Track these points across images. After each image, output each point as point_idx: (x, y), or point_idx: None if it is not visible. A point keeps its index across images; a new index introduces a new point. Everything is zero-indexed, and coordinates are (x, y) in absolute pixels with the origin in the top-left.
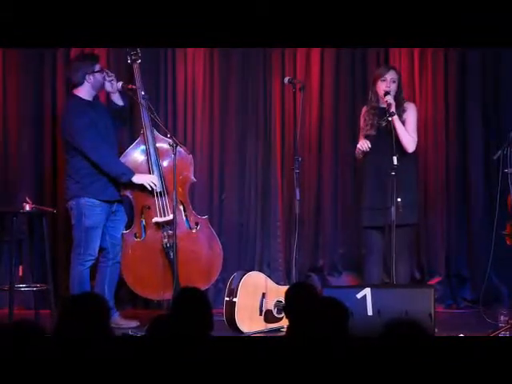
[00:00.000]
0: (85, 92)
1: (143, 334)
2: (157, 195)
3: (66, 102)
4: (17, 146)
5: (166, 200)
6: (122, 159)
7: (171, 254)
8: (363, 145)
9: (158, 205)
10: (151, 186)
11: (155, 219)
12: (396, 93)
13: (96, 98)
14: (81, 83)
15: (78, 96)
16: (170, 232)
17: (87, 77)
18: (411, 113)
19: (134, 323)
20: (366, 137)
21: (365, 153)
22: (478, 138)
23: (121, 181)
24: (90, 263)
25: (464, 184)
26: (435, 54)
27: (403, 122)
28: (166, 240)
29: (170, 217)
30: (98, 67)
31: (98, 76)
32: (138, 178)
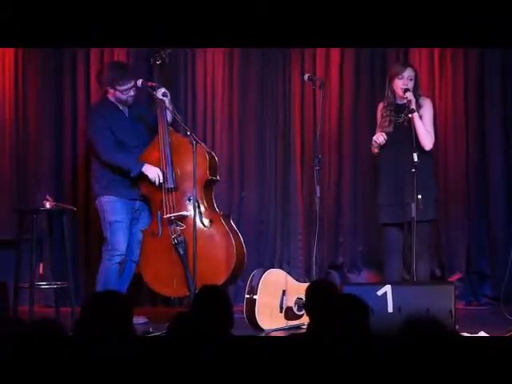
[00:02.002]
0: (115, 97)
1: (163, 332)
2: (169, 191)
3: (95, 102)
4: (37, 145)
5: (177, 196)
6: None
7: (181, 251)
8: (379, 137)
9: (169, 201)
10: (156, 180)
11: (167, 215)
12: (413, 90)
13: (132, 101)
14: (110, 86)
15: (107, 99)
16: (178, 228)
17: (108, 88)
18: (427, 108)
19: (142, 319)
20: (385, 133)
21: (380, 146)
22: (497, 136)
23: (132, 174)
24: (117, 259)
25: (484, 181)
26: (455, 54)
27: (420, 118)
28: (174, 236)
29: (180, 213)
30: (139, 83)
31: (118, 93)
32: (146, 168)
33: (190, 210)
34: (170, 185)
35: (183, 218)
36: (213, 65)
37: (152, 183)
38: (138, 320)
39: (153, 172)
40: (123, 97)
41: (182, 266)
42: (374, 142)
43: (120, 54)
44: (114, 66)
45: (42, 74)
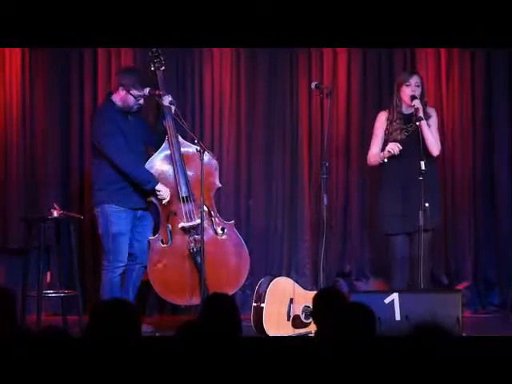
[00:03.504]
0: (121, 101)
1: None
2: (183, 200)
3: (100, 105)
4: (44, 152)
5: (192, 205)
6: (148, 165)
7: (198, 259)
8: (394, 148)
9: (184, 210)
10: (164, 200)
11: (181, 224)
12: (420, 97)
13: (137, 109)
14: (116, 90)
15: (111, 101)
16: (197, 237)
17: (121, 88)
18: (434, 117)
19: (149, 328)
20: (394, 141)
21: (391, 156)
22: (504, 141)
23: (145, 188)
24: (120, 270)
25: (491, 188)
26: (462, 56)
27: (429, 127)
28: (192, 245)
29: (196, 222)
30: (147, 91)
31: (130, 98)
32: (160, 186)
33: (205, 220)
34: (185, 193)
35: (198, 227)
36: (220, 71)
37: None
38: (145, 329)
39: (164, 192)
40: (132, 102)
41: (198, 274)
42: (386, 153)
43: (127, 55)
44: (136, 71)
45: (49, 75)
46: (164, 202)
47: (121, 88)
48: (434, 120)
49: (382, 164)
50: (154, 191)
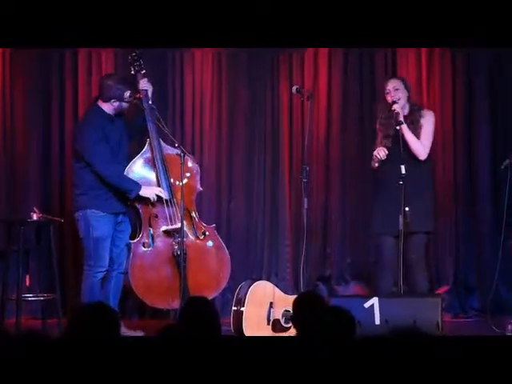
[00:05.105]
0: (108, 107)
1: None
2: (166, 204)
3: (87, 110)
4: (24, 154)
5: (175, 209)
6: (129, 169)
7: (182, 262)
8: (380, 152)
9: (167, 213)
10: (157, 196)
11: (164, 227)
12: (408, 97)
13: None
14: (106, 101)
15: (100, 108)
16: (179, 240)
17: (113, 100)
18: (429, 120)
19: (139, 333)
20: (386, 148)
21: (381, 161)
22: (485, 146)
23: (129, 197)
24: (101, 274)
25: (472, 193)
26: (443, 55)
27: (420, 128)
28: (176, 248)
29: (179, 225)
30: (127, 95)
31: (125, 105)
32: (144, 191)
33: (186, 223)
34: (167, 197)
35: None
36: (201, 75)
37: (147, 198)
38: (135, 334)
39: (151, 193)
40: (125, 105)
41: (179, 277)
42: (374, 157)
43: (108, 56)
44: (120, 80)
45: (29, 76)
46: (163, 196)
47: (112, 100)
48: (428, 123)
49: (377, 168)
50: (138, 197)
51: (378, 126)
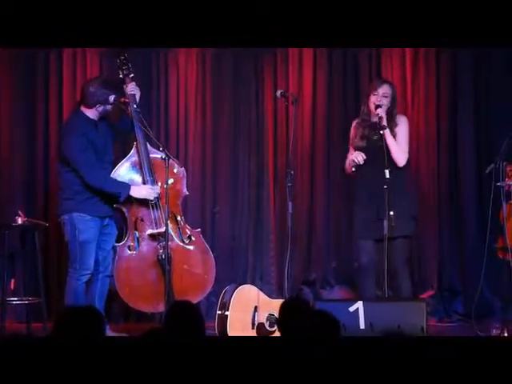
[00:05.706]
0: (91, 113)
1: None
2: (152, 207)
3: (70, 116)
4: (8, 156)
5: (160, 212)
6: (116, 172)
7: (167, 266)
8: (358, 156)
9: (152, 217)
10: (151, 196)
11: (149, 231)
12: (389, 108)
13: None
14: (90, 107)
15: (84, 114)
16: (164, 244)
17: (98, 105)
18: (403, 126)
19: (125, 336)
20: (356, 148)
21: (357, 166)
22: (469, 147)
23: (120, 200)
24: (85, 278)
25: (456, 197)
26: (427, 55)
27: (395, 136)
28: (161, 251)
29: (164, 228)
30: (112, 99)
31: (109, 107)
32: (135, 192)
33: (170, 227)
34: (154, 200)
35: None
36: (185, 78)
37: (133, 200)
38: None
39: (143, 193)
40: (110, 108)
41: (164, 281)
42: (351, 162)
43: (93, 57)
44: (104, 84)
45: (14, 76)
46: (154, 197)
47: (97, 106)
48: (401, 129)
49: (354, 172)
50: (129, 198)
51: (354, 124)
